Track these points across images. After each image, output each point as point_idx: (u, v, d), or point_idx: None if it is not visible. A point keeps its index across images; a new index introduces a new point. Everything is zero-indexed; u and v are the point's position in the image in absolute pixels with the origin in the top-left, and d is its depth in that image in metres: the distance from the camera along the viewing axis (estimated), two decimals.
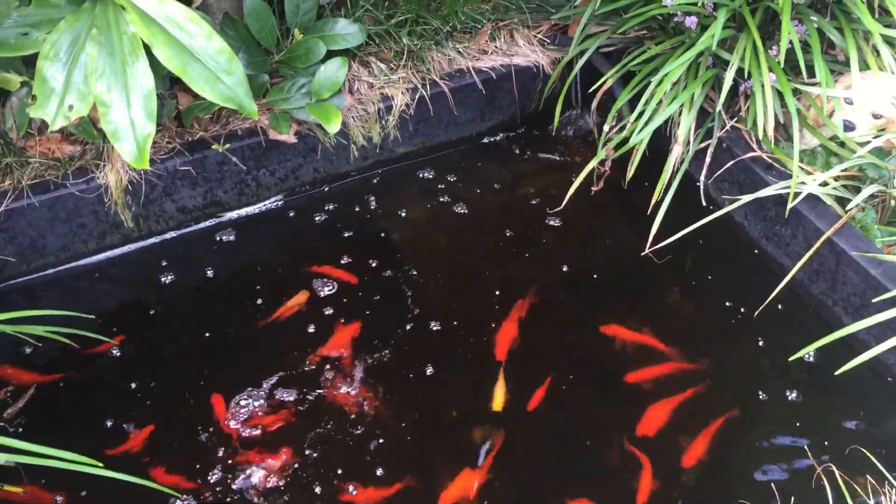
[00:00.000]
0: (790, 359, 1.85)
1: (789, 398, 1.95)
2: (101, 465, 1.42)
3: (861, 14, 2.00)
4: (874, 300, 1.85)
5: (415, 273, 2.31)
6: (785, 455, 1.84)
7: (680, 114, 2.22)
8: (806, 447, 1.81)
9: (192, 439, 1.92)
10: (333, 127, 2.30)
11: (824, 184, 2.07)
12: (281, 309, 2.21)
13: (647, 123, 2.19)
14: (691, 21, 2.18)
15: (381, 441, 1.90)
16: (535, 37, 2.72)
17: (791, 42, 1.99)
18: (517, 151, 2.75)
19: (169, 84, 2.34)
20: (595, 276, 2.29)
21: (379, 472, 1.83)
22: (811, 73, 2.12)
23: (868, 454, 1.67)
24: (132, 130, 1.70)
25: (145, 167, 1.73)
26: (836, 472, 1.62)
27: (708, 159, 2.27)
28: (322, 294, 2.24)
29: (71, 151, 2.30)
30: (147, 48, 1.71)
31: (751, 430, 1.91)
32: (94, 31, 1.71)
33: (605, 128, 2.37)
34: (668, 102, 2.19)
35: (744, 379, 2.02)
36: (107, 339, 2.10)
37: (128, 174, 2.27)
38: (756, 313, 2.08)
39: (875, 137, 2.07)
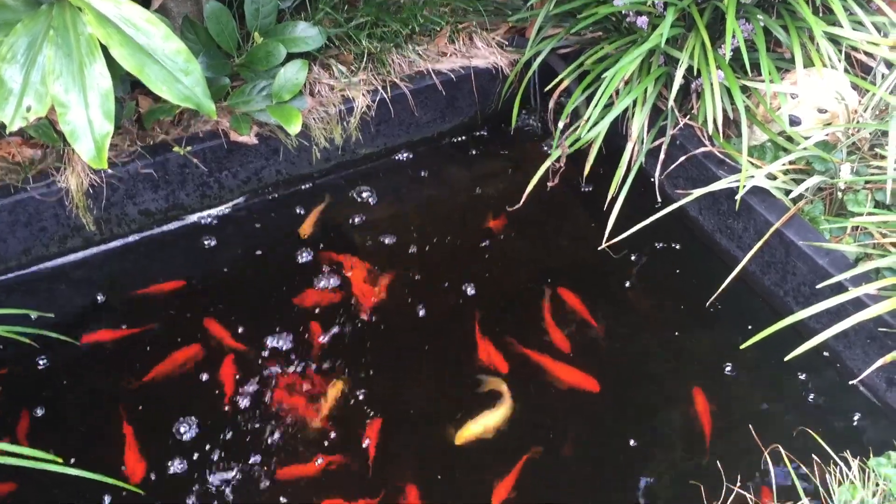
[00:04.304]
0: (741, 346, 1.89)
1: (740, 383, 2.01)
2: (60, 461, 1.44)
3: (804, 13, 2.07)
4: (819, 286, 1.91)
5: (380, 269, 2.34)
6: (733, 436, 1.89)
7: (633, 112, 2.28)
8: (751, 428, 1.85)
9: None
10: (294, 128, 2.32)
11: (773, 177, 2.13)
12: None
13: (601, 118, 2.25)
14: (642, 21, 2.24)
15: None
16: (494, 39, 2.77)
17: (737, 40, 2.05)
18: (477, 151, 2.79)
19: (129, 88, 2.36)
20: (553, 268, 2.34)
21: None
22: (759, 71, 2.19)
23: (814, 435, 1.72)
24: (90, 130, 1.72)
25: (104, 167, 1.75)
26: (783, 452, 1.67)
27: (662, 155, 2.32)
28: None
29: (31, 155, 2.30)
30: (104, 49, 1.72)
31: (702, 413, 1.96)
32: (51, 32, 1.72)
33: (560, 125, 2.42)
34: (621, 98, 2.24)
35: (696, 366, 2.07)
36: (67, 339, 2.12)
37: (88, 177, 2.28)
38: (708, 303, 2.14)
39: (820, 131, 2.14)
